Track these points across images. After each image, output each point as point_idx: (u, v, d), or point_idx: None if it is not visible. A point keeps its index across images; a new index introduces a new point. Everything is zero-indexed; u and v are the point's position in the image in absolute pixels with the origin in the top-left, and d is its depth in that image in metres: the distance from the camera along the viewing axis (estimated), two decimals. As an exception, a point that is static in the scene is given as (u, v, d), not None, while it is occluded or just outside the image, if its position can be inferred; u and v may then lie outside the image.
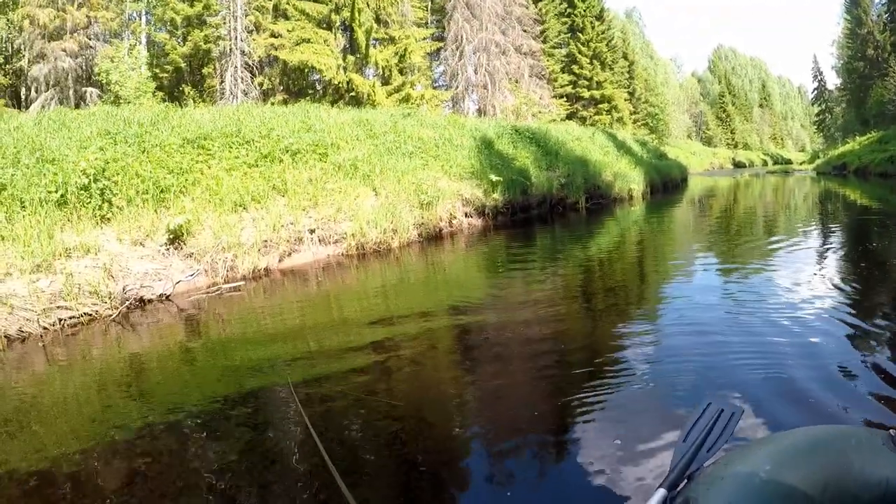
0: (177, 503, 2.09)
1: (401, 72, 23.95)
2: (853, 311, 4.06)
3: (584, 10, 35.66)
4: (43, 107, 15.96)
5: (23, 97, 18.58)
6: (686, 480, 1.47)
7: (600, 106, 35.69)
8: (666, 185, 19.82)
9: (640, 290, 5.49)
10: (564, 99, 33.96)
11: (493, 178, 10.14)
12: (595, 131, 19.01)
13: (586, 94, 35.27)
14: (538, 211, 11.33)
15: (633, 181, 14.71)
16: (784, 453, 1.47)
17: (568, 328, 4.07)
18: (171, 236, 5.62)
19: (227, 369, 3.51)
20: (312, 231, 6.61)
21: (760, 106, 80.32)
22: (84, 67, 17.99)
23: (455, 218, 8.91)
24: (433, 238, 8.32)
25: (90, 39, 18.30)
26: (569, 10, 35.31)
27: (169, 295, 5.07)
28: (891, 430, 1.53)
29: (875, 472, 1.42)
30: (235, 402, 2.93)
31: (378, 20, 23.23)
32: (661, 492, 1.39)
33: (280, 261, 6.13)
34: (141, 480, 2.25)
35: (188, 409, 2.88)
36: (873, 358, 3.14)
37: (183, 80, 20.81)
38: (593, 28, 35.97)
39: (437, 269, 6.74)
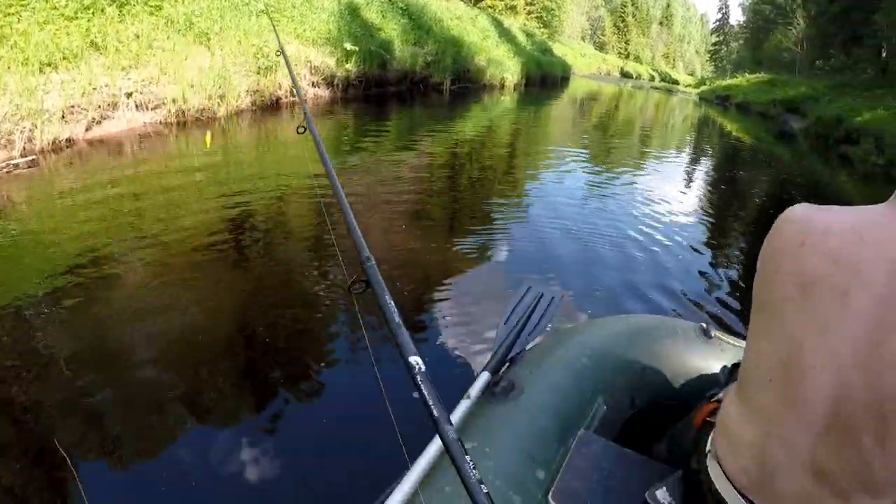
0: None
1: None
2: (703, 225, 4.58)
3: None
4: None
5: None
6: (509, 363, 1.45)
7: (494, -10, 33.89)
8: (545, 79, 20.29)
9: (499, 179, 5.58)
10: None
11: (349, 46, 10.16)
12: (479, 14, 18.71)
13: (480, -24, 33.12)
14: (396, 88, 11.39)
15: (507, 70, 15.02)
16: (604, 338, 1.53)
17: (411, 211, 4.23)
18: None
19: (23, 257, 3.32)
20: (129, 95, 6.61)
21: (660, 24, 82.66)
22: None
23: (298, 87, 9.05)
24: (270, 108, 8.38)
25: None
26: None
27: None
28: (702, 323, 1.64)
29: (689, 360, 1.52)
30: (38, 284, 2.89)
31: None
32: (485, 375, 1.35)
33: (88, 129, 6.01)
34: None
35: None
36: (704, 263, 3.55)
37: None
38: None
39: (261, 143, 6.69)
